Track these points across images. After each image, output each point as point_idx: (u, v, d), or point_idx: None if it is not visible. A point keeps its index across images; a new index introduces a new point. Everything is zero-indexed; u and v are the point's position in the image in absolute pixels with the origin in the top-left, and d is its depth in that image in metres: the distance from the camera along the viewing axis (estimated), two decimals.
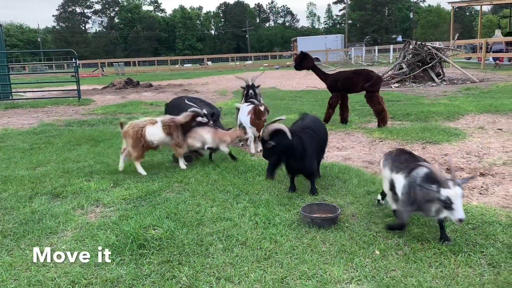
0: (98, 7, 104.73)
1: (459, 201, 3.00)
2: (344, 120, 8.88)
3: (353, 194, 4.43)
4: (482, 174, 5.03)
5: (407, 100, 11.47)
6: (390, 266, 3.01)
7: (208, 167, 5.61)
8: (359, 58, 35.79)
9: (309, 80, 21.12)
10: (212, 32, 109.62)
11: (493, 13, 64.03)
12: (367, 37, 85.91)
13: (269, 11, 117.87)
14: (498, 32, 27.18)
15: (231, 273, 2.98)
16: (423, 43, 17.16)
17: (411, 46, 17.25)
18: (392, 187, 3.49)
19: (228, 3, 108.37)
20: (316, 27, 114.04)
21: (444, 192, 3.00)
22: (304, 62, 8.73)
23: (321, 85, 18.15)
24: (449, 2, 30.31)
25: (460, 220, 3.00)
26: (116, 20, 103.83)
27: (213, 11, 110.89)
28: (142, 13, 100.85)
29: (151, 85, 20.60)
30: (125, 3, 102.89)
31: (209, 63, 45.54)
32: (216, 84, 21.21)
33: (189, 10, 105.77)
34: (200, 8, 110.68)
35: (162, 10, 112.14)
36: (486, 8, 59.91)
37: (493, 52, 24.23)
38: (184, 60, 52.11)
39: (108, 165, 5.92)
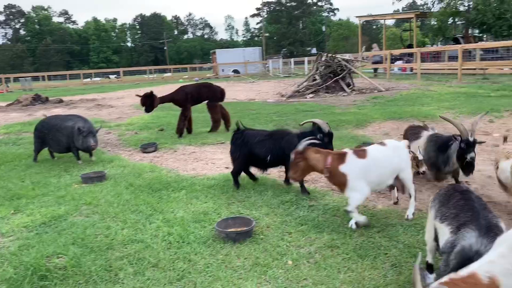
0: (1, 18, 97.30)
1: None
2: (190, 130, 9.27)
3: (268, 205, 4.48)
4: None
5: (321, 110, 11.97)
6: (302, 275, 3.07)
7: (120, 186, 5.37)
8: (276, 70, 36.86)
9: (229, 92, 21.20)
10: (129, 44, 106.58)
11: (396, 27, 69.47)
12: (283, 49, 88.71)
13: (187, 23, 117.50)
14: (375, 46, 29.49)
15: None
16: (333, 55, 18.08)
17: (323, 58, 18.12)
18: (436, 237, 2.75)
19: (144, 15, 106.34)
20: (235, 39, 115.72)
21: None
22: (153, 102, 8.60)
23: (241, 96, 18.50)
24: (357, 17, 32.42)
25: None
26: (22, 32, 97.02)
27: (129, 23, 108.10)
28: (52, 25, 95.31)
29: (61, 101, 19.41)
30: (33, 14, 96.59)
31: (112, 76, 44.43)
32: (132, 98, 20.46)
33: (104, 22, 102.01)
34: (115, 20, 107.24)
35: (74, 22, 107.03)
36: (390, 22, 64.86)
37: (373, 63, 26.22)
38: (99, 73, 50.01)
39: (8, 189, 5.43)
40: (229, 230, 3.76)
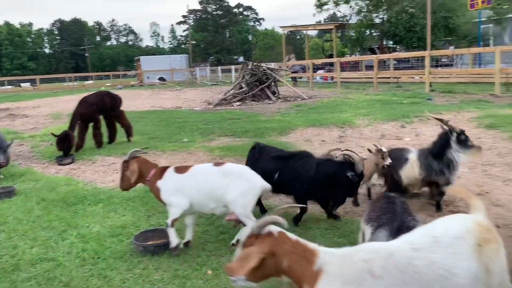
0: None
1: None
2: (100, 143, 8.55)
3: None
4: None
5: (247, 118, 12.12)
6: (221, 284, 3.07)
7: (31, 201, 5.01)
8: (204, 78, 36.76)
9: (155, 100, 20.84)
10: (46, 50, 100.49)
11: (319, 37, 72.45)
12: (211, 57, 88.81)
13: (110, 29, 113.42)
14: (292, 57, 30.61)
15: None
16: (258, 64, 18.44)
17: (249, 67, 18.40)
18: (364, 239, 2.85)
19: (64, 20, 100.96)
20: (161, 46, 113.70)
21: None
22: (70, 142, 7.62)
23: (167, 104, 18.19)
24: (281, 27, 33.36)
25: None
26: None
27: (47, 28, 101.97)
28: None
29: None
30: None
31: (25, 84, 41.35)
32: (49, 106, 19.32)
33: (18, 27, 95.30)
34: (31, 24, 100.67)
35: None
36: (313, 32, 67.39)
37: (292, 72, 27.11)
38: (14, 80, 46.48)
39: None
40: (147, 243, 3.65)
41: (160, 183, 3.60)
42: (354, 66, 26.32)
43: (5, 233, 4.09)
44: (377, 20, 28.41)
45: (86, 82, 44.14)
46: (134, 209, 4.59)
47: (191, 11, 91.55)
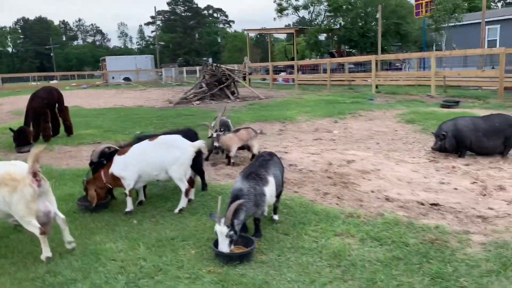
0: None
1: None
2: (57, 132, 9.64)
3: None
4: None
5: (201, 114, 13.01)
6: (143, 229, 3.98)
7: None
8: (169, 78, 37.38)
9: (117, 99, 21.42)
10: (9, 49, 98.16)
11: (287, 41, 74.03)
12: (179, 58, 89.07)
13: (76, 29, 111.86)
14: (246, 59, 31.58)
15: None
16: (218, 65, 19.36)
17: (209, 68, 19.29)
18: None
19: (28, 18, 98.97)
20: (130, 47, 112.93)
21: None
22: (27, 136, 8.34)
23: (129, 103, 18.83)
24: (244, 30, 34.38)
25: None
26: None
27: (10, 27, 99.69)
28: None
29: None
30: None
31: None
32: (11, 104, 19.63)
33: None
34: None
35: None
36: (283, 36, 68.67)
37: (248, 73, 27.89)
38: None
39: None
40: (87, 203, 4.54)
41: (111, 170, 4.46)
42: (314, 69, 27.63)
43: None
44: (335, 26, 29.88)
45: (51, 82, 43.84)
46: None
47: (159, 12, 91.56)
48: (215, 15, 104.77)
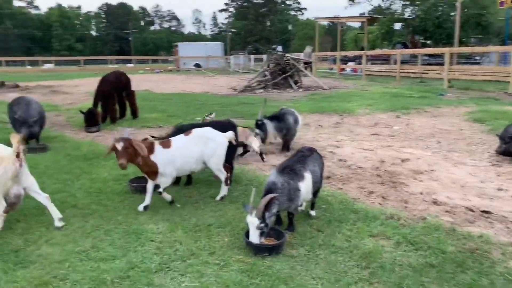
0: None
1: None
2: (123, 115, 10.18)
3: None
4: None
5: (260, 103, 13.10)
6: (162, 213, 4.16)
7: (59, 155, 6.30)
8: (237, 66, 37.90)
9: (186, 84, 22.15)
10: (93, 33, 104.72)
11: (361, 29, 71.86)
12: (249, 46, 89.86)
13: (154, 14, 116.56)
14: (308, 48, 30.81)
15: None
16: (283, 54, 19.32)
17: (273, 56, 19.33)
18: None
19: (110, 4, 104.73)
20: (203, 33, 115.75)
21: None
22: (95, 118, 8.83)
23: (196, 89, 19.42)
24: (314, 18, 33.88)
25: None
26: None
27: (94, 12, 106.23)
28: (13, 9, 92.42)
29: (17, 86, 19.74)
30: None
31: (49, 65, 43.31)
32: (89, 85, 21.01)
33: (67, 9, 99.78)
34: (79, 7, 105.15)
35: (36, 7, 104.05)
36: (357, 24, 66.57)
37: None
38: (61, 61, 49.46)
39: None
40: (138, 184, 4.80)
41: (154, 159, 4.18)
42: (386, 60, 26.62)
43: (36, 174, 5.31)
44: (408, 15, 28.52)
45: (128, 65, 46.31)
46: None
47: None
48: (287, 2, 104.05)
